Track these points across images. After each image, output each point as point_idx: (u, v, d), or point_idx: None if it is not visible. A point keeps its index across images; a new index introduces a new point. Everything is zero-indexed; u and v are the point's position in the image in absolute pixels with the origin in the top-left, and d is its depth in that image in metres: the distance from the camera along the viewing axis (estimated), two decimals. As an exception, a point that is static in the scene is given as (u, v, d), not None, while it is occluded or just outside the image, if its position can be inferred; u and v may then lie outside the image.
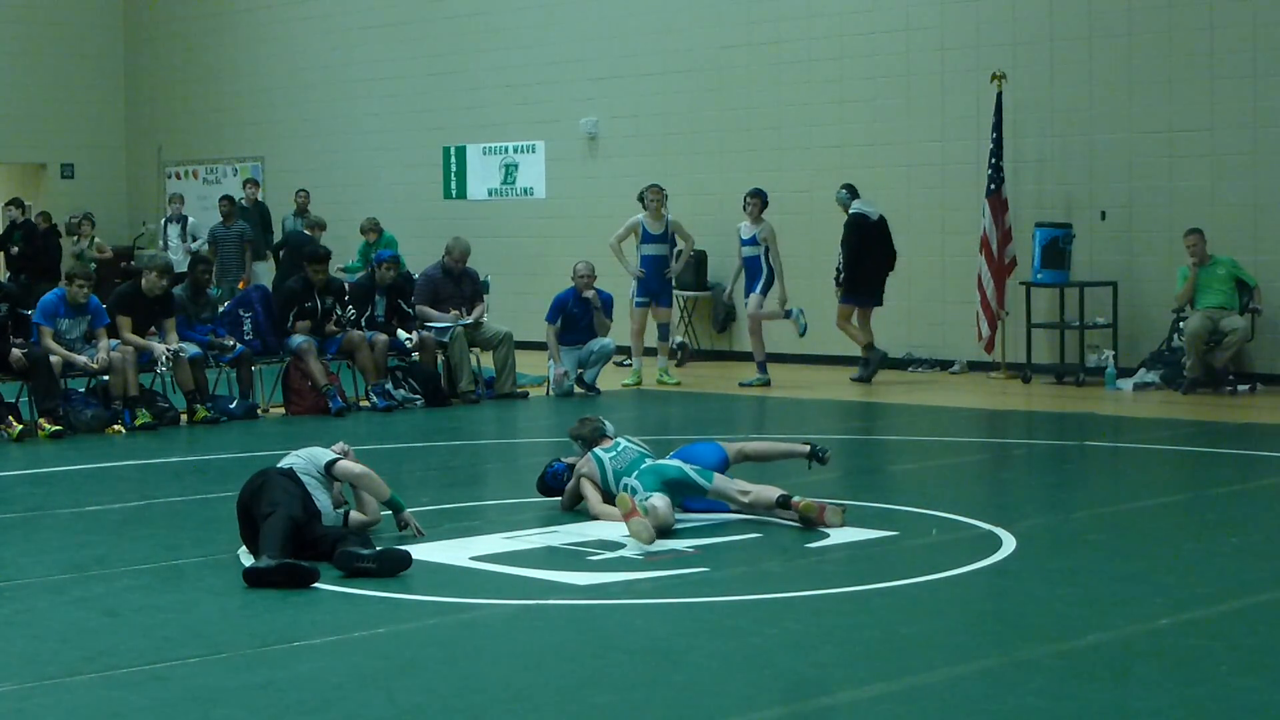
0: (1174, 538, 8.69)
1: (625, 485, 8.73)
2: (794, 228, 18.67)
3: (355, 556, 7.47)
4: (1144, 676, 5.85)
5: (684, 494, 8.78)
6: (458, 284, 15.81)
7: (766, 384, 16.40)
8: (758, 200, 16.60)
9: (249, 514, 7.87)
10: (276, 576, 7.25)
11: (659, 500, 8.45)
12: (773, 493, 8.66)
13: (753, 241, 16.59)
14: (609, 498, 8.83)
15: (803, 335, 16.67)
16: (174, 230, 22.70)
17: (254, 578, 7.29)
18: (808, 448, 9.38)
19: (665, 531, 8.32)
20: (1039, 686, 5.70)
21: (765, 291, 16.59)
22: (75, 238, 22.70)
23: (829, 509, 8.54)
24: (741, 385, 16.49)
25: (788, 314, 16.61)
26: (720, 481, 8.77)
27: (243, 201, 22.48)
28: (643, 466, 8.81)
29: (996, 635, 6.56)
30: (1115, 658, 6.11)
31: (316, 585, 7.28)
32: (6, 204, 23.86)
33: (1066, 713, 5.42)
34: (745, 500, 8.71)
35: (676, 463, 8.88)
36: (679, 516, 8.72)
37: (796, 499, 8.54)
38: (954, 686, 5.75)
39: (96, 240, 22.78)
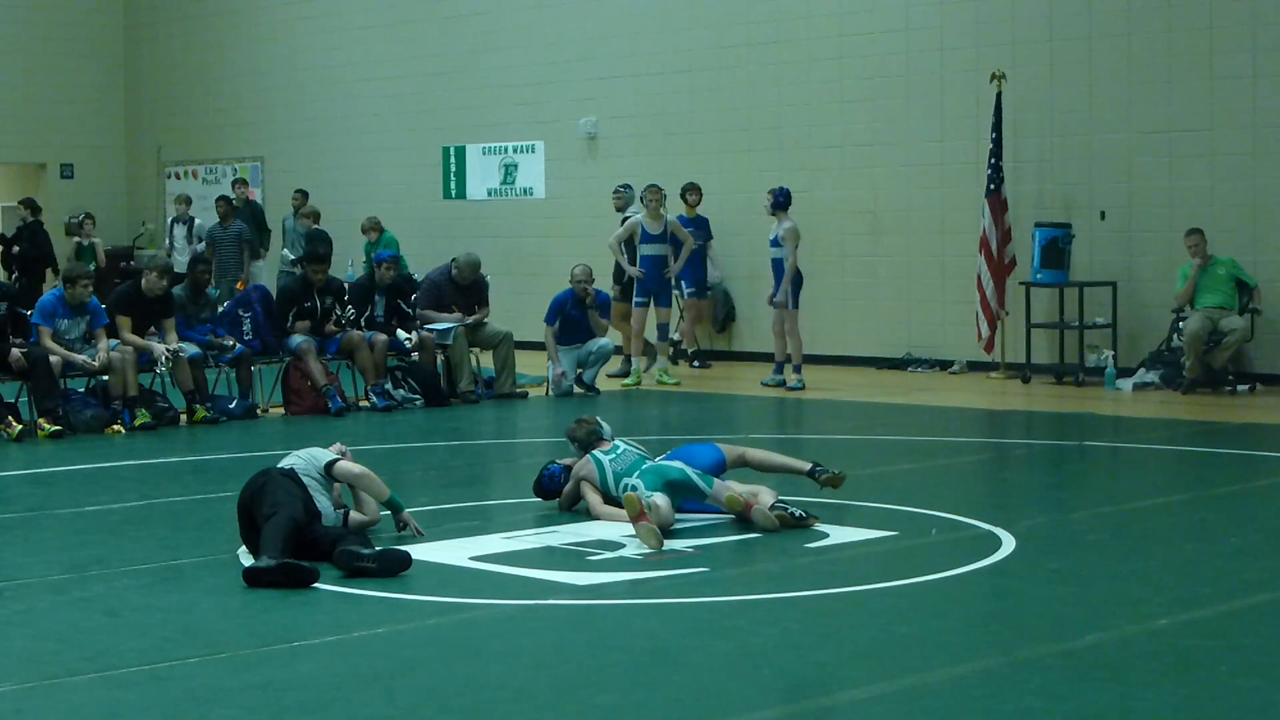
0: (1174, 538, 8.69)
1: (626, 485, 8.72)
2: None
3: (356, 555, 7.48)
4: (1144, 676, 5.85)
5: (684, 496, 8.77)
6: (464, 295, 15.76)
7: (782, 384, 16.31)
8: (770, 197, 16.38)
9: (250, 514, 7.87)
10: (276, 576, 7.25)
11: (660, 499, 8.44)
12: (770, 497, 8.65)
13: (776, 243, 16.29)
14: (609, 499, 8.83)
15: None
16: (180, 231, 22.66)
17: (253, 577, 7.29)
18: (808, 466, 9.36)
19: (664, 530, 8.31)
20: (1039, 686, 5.70)
21: (796, 296, 16.29)
22: (76, 238, 22.69)
23: (754, 508, 8.52)
24: (764, 384, 16.39)
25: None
26: (720, 487, 8.75)
27: (234, 201, 22.46)
28: (644, 467, 8.80)
29: (996, 635, 6.56)
30: (1115, 658, 6.10)
31: (316, 585, 7.28)
32: (19, 203, 23.85)
33: (1066, 713, 5.42)
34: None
35: (679, 464, 8.86)
36: (677, 516, 8.71)
37: (755, 508, 8.52)
38: (954, 686, 5.75)
39: (96, 242, 22.77)
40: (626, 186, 18.15)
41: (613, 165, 20.32)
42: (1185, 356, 15.38)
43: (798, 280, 16.25)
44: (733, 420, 14.38)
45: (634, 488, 8.62)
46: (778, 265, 16.29)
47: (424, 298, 15.72)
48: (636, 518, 8.10)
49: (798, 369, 16.21)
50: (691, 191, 18.06)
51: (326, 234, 20.75)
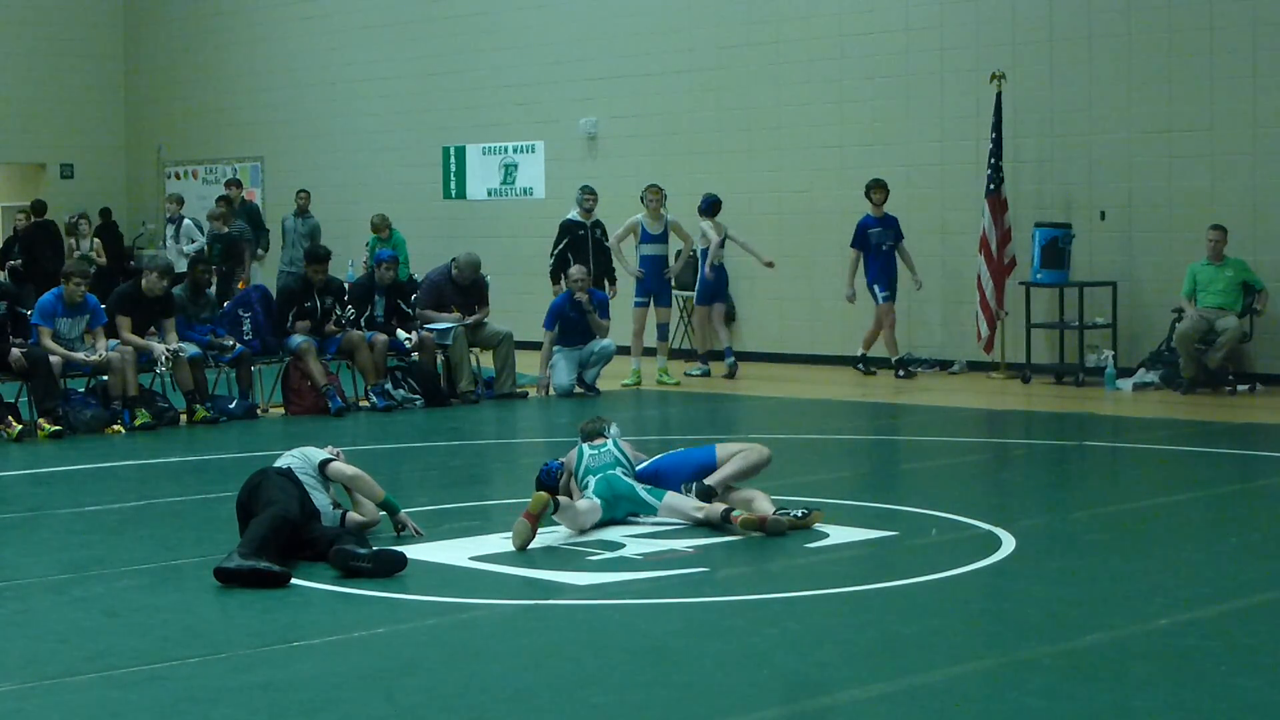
0: (1174, 538, 8.68)
1: (585, 483, 8.77)
2: (794, 228, 18.69)
3: (351, 555, 7.47)
4: (1144, 676, 5.85)
5: (631, 508, 8.77)
6: (464, 295, 15.75)
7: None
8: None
9: (247, 513, 7.88)
10: (247, 578, 7.25)
11: (584, 504, 8.52)
12: (719, 508, 8.60)
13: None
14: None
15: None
16: (171, 231, 22.66)
17: (225, 576, 7.30)
18: (723, 508, 8.75)
19: (579, 530, 8.38)
20: (1039, 686, 5.70)
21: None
22: (74, 239, 22.68)
23: (769, 520, 8.38)
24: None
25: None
26: (672, 500, 8.73)
27: (233, 201, 22.45)
28: (608, 473, 8.80)
29: (996, 635, 6.56)
30: (1115, 658, 6.10)
31: (316, 585, 7.29)
32: (30, 206, 23.89)
33: (1066, 713, 5.42)
34: (700, 517, 8.61)
35: (630, 481, 8.85)
36: (667, 519, 8.71)
37: (736, 513, 8.46)
38: (954, 686, 5.75)
39: (96, 242, 22.77)
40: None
41: (613, 165, 20.32)
42: (1180, 356, 15.37)
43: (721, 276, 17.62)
44: (733, 420, 14.38)
45: (585, 485, 8.73)
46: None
47: (424, 298, 15.72)
48: (525, 513, 8.11)
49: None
50: (877, 189, 17.17)
51: (236, 237, 20.77)
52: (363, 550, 7.53)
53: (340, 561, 7.48)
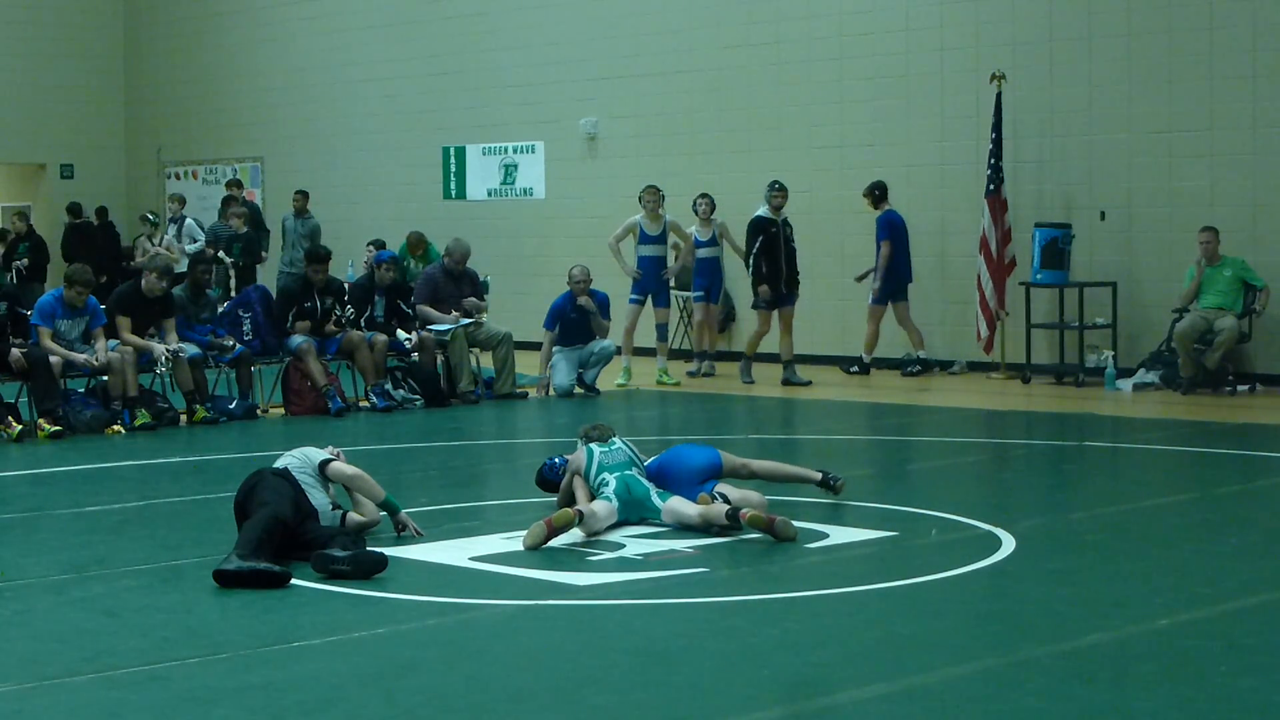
0: (1174, 538, 8.69)
1: (602, 480, 8.75)
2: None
3: (330, 559, 7.46)
4: (1143, 676, 5.85)
5: (643, 513, 8.77)
6: (458, 284, 15.81)
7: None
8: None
9: (244, 514, 7.89)
10: (246, 579, 7.25)
11: (600, 506, 8.52)
12: (721, 509, 8.58)
13: (710, 243, 17.52)
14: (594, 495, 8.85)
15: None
16: (172, 231, 22.66)
17: (223, 578, 7.30)
18: (819, 475, 9.32)
19: (592, 534, 8.36)
20: (1038, 686, 5.70)
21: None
22: (144, 237, 22.70)
23: (778, 520, 8.32)
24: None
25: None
26: (674, 503, 8.71)
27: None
28: (625, 473, 8.79)
29: (996, 635, 6.56)
30: (1115, 658, 6.10)
31: (316, 585, 7.29)
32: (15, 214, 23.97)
33: (1066, 713, 5.42)
34: (699, 522, 8.61)
35: (646, 485, 8.85)
36: (664, 524, 8.72)
37: (744, 510, 8.43)
38: (954, 686, 5.75)
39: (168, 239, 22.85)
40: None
41: (613, 165, 20.33)
42: (1178, 356, 15.37)
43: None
44: (732, 420, 14.38)
45: (604, 483, 8.70)
46: (710, 264, 17.51)
47: (420, 293, 15.74)
48: (547, 520, 8.12)
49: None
50: (866, 191, 17.31)
51: (255, 237, 20.79)
52: (340, 553, 7.49)
53: (320, 566, 7.47)
